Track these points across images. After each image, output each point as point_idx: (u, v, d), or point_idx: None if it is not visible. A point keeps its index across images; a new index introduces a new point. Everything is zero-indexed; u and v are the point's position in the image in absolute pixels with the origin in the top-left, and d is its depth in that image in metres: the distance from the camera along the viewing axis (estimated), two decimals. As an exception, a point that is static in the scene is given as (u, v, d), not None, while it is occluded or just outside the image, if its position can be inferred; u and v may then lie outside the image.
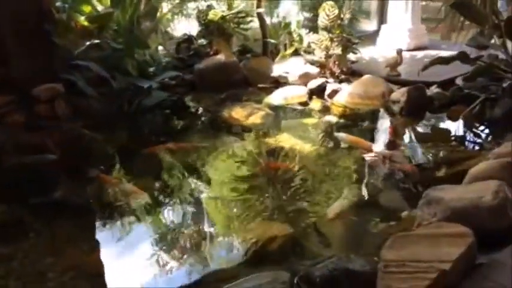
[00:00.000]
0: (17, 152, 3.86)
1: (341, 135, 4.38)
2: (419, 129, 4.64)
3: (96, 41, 5.12)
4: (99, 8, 5.29)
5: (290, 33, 6.37)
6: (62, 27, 4.80)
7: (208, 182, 3.77)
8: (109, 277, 2.65)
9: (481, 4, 4.50)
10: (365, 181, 3.57)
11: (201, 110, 5.35)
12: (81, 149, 4.07)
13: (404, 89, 4.78)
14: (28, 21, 4.50)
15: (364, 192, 3.42)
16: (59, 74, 4.66)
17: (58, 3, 4.98)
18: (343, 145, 4.25)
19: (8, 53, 4.56)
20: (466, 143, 4.24)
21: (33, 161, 3.76)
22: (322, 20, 5.47)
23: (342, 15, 5.41)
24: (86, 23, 5.11)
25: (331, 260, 2.14)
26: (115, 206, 3.37)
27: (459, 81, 4.71)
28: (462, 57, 4.27)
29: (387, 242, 2.16)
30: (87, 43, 5.10)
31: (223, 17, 5.83)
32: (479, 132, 4.38)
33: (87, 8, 5.22)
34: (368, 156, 3.87)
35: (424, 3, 7.57)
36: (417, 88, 4.73)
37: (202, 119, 5.14)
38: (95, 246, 2.99)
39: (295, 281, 2.18)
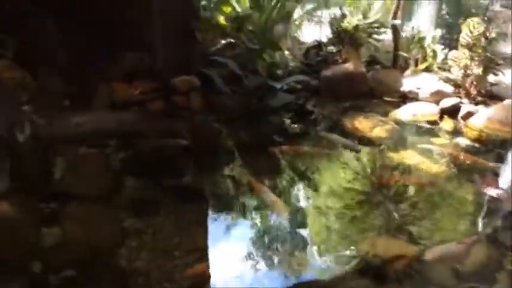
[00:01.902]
0: (155, 135, 4.19)
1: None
2: None
3: (232, 40, 5.37)
4: (239, 9, 5.54)
5: (423, 47, 6.09)
6: (205, 24, 5.09)
7: (327, 190, 3.72)
8: (227, 266, 2.73)
9: None
10: (484, 215, 3.31)
11: (324, 116, 5.32)
12: (211, 141, 4.28)
13: (555, 120, 4.30)
14: (178, 18, 4.85)
15: (485, 226, 3.17)
16: (197, 68, 4.95)
17: (203, 2, 5.31)
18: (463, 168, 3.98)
19: (157, 45, 4.96)
20: None
21: (167, 144, 4.05)
22: (464, 37, 5.14)
23: (487, 34, 5.03)
24: (225, 22, 5.38)
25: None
26: (243, 202, 3.48)
27: None
28: None
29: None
30: (223, 41, 5.37)
31: (356, 26, 5.75)
32: None
33: (227, 9, 5.50)
34: (490, 190, 3.57)
35: None
36: None
37: (325, 125, 5.09)
38: (219, 234, 3.09)
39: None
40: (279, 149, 4.33)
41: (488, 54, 5.06)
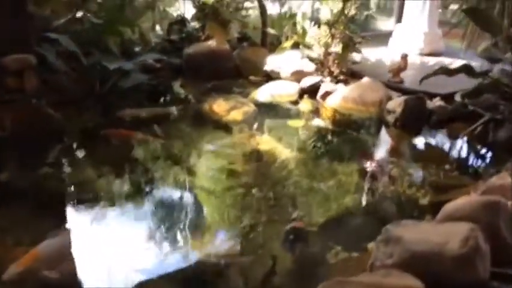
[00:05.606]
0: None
1: None
2: (412, 144, 4.18)
3: (81, 14, 4.83)
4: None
5: (295, 24, 5.93)
6: (42, -4, 4.49)
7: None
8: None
9: (498, 13, 4.00)
10: (339, 198, 3.21)
11: (182, 98, 4.97)
12: (40, 128, 3.76)
13: (402, 98, 4.29)
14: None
15: (334, 211, 3.07)
16: (32, 45, 4.35)
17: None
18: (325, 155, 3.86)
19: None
20: (462, 167, 3.71)
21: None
22: (325, 15, 5.00)
23: (346, 11, 4.93)
24: (71, -6, 4.81)
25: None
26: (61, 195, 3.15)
27: (458, 97, 4.21)
28: (466, 70, 3.79)
29: (319, 286, 1.80)
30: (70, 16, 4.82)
31: (220, 1, 5.41)
32: (478, 156, 3.89)
33: (73, -23, 4.91)
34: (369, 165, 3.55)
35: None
36: (417, 98, 4.25)
37: (181, 108, 4.71)
38: (29, 238, 2.64)
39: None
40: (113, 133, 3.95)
41: (347, 32, 4.97)
